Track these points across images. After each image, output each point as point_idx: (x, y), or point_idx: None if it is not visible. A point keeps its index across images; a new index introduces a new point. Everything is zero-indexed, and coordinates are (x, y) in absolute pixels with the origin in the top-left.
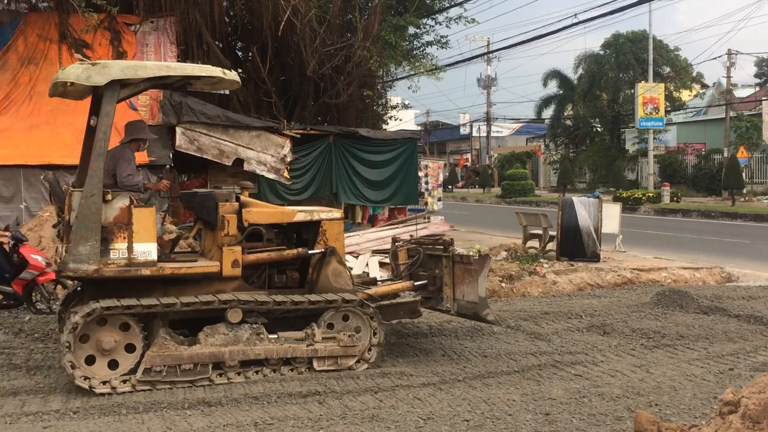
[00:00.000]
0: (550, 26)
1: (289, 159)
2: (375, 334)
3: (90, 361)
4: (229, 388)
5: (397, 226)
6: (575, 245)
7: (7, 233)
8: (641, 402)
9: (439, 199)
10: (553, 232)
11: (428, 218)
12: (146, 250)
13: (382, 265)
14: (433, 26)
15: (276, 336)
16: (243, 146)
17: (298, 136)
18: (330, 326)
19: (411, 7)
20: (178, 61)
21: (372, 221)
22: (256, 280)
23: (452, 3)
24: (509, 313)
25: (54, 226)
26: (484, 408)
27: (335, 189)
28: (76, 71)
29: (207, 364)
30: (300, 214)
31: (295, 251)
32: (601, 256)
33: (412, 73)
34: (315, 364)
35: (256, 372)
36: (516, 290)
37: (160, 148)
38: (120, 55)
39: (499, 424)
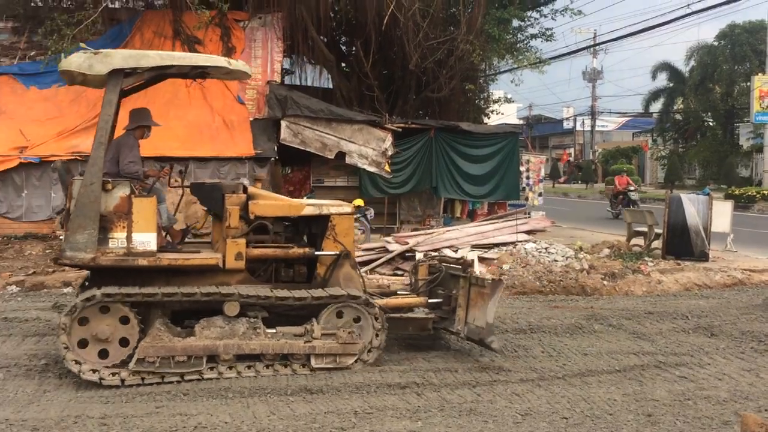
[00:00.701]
0: (660, 17)
1: (390, 153)
2: (377, 335)
3: (82, 345)
4: (330, 376)
5: (496, 221)
6: (682, 244)
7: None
8: (750, 406)
9: (540, 195)
10: (659, 230)
11: (529, 214)
12: (145, 240)
13: (481, 260)
14: (537, 19)
15: (274, 331)
16: (345, 139)
17: (400, 129)
18: (339, 316)
19: (515, 0)
20: (284, 55)
21: (471, 216)
22: (262, 274)
23: None
24: (611, 311)
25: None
26: (584, 406)
27: (435, 183)
28: (78, 60)
29: (201, 356)
30: (309, 207)
31: (301, 251)
32: (710, 256)
33: (516, 66)
34: (313, 362)
35: (248, 367)
36: (618, 288)
37: (265, 141)
38: (229, 50)
39: (599, 423)
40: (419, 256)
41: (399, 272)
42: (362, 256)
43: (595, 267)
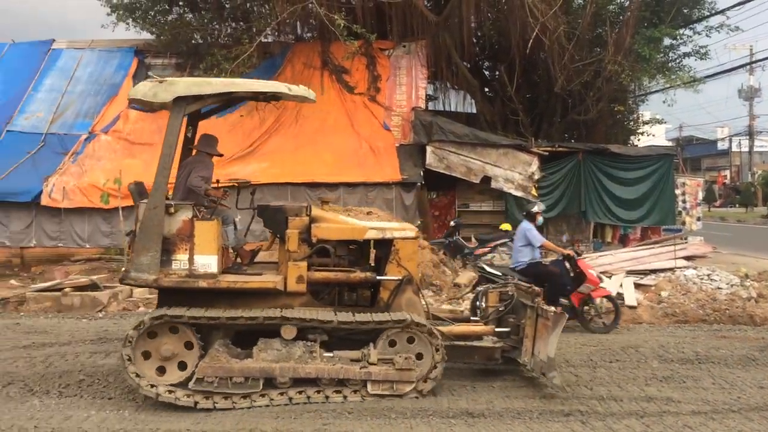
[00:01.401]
0: None
1: (537, 176)
2: (435, 366)
3: (146, 357)
4: (491, 400)
5: (652, 246)
6: None
7: (573, 251)
8: None
9: (699, 219)
10: None
11: (686, 239)
12: (206, 262)
13: (638, 286)
14: (690, 36)
15: (332, 354)
16: (491, 164)
17: (546, 153)
18: (392, 345)
19: (667, 18)
20: (428, 82)
21: (623, 241)
22: (326, 297)
23: (713, 11)
24: None
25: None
26: None
27: (584, 207)
28: (144, 89)
29: (258, 378)
30: (371, 231)
31: (363, 275)
32: None
33: (668, 86)
34: (369, 388)
35: (300, 392)
36: None
37: (411, 167)
38: (375, 78)
39: None
40: None
41: None
42: None
43: (764, 295)
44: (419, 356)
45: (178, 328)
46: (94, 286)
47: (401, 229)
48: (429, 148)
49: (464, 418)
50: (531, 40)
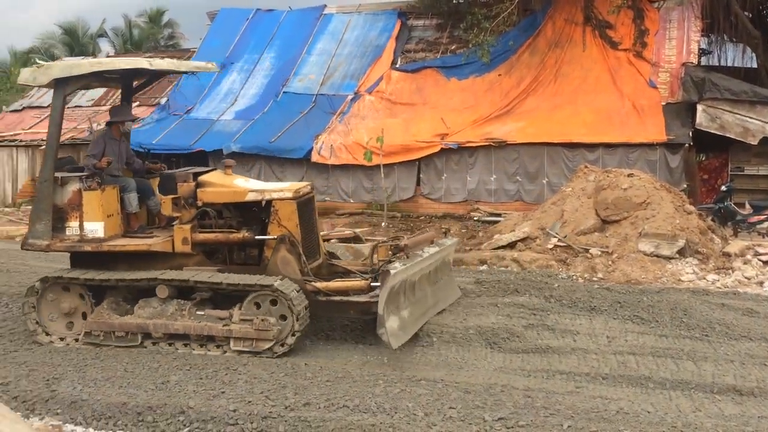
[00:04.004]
0: None
1: None
2: (297, 320)
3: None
4: (763, 378)
5: None
6: None
7: None
8: None
9: None
10: None
11: None
12: (94, 228)
13: None
14: None
15: (203, 313)
16: None
17: None
18: (258, 307)
19: None
20: (702, 35)
21: None
22: (219, 257)
23: None
24: None
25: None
26: None
27: None
28: (25, 74)
29: (136, 333)
30: (251, 193)
31: (240, 235)
32: None
33: None
34: (232, 344)
35: (170, 344)
36: None
37: (679, 127)
38: (642, 33)
39: None
40: None
41: None
42: None
43: None
44: (283, 317)
45: (70, 288)
46: (356, 239)
47: (279, 191)
48: (700, 107)
49: (731, 395)
50: None
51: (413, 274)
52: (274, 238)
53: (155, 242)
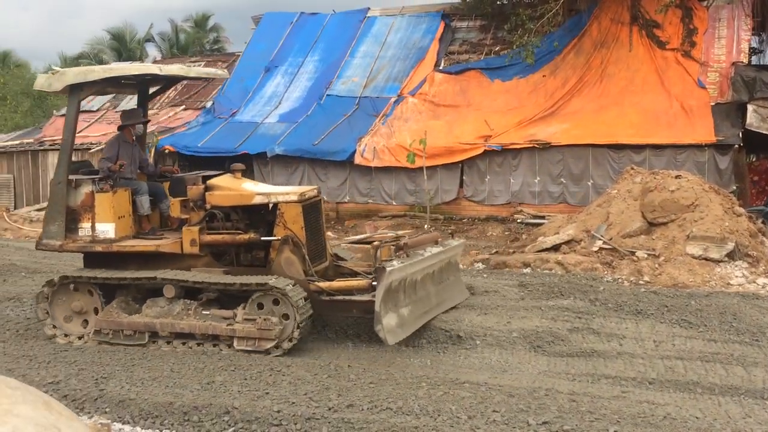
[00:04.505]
0: None
1: None
2: (299, 326)
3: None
4: None
5: None
6: None
7: None
8: None
9: None
10: None
11: None
12: (105, 229)
13: None
14: None
15: (208, 313)
16: None
17: None
18: (261, 307)
19: None
20: (753, 33)
21: None
22: (227, 258)
23: None
24: None
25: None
26: None
27: None
28: (40, 80)
29: (143, 332)
30: (258, 197)
31: (246, 236)
32: None
33: None
34: (235, 343)
35: (183, 343)
36: None
37: (728, 127)
38: (690, 32)
39: None
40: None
41: None
42: None
43: None
44: (285, 316)
45: (81, 288)
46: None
47: (285, 194)
48: (750, 107)
49: None
50: None
51: (414, 273)
52: (278, 240)
53: (163, 243)
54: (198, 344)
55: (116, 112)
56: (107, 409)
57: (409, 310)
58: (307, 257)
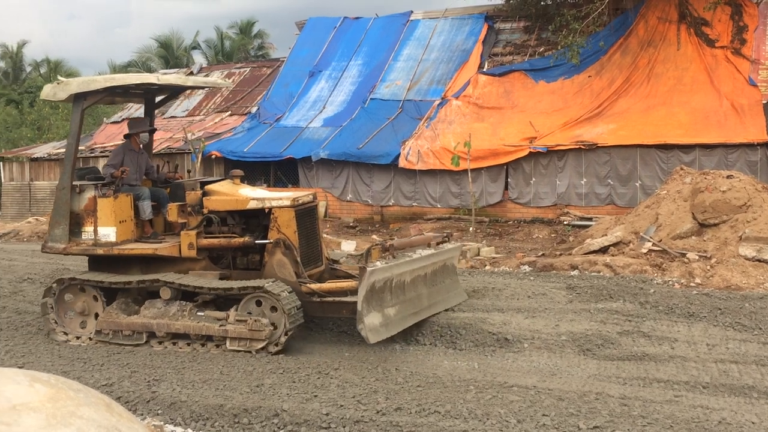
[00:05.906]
0: None
1: None
2: (288, 327)
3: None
4: None
5: None
6: None
7: None
8: None
9: None
10: None
11: None
12: (107, 233)
13: None
14: None
15: (203, 314)
16: None
17: None
18: (259, 304)
19: None
20: None
21: None
22: (224, 261)
23: None
24: None
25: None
26: None
27: None
28: (46, 90)
29: (141, 332)
30: (252, 201)
31: (241, 240)
32: None
33: None
34: (228, 344)
35: (173, 344)
36: None
37: None
38: (740, 29)
39: None
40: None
41: None
42: None
43: None
44: (273, 308)
45: (86, 289)
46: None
47: (278, 199)
48: None
49: None
50: None
51: (401, 274)
52: (269, 242)
53: (162, 247)
54: (188, 344)
55: (164, 118)
56: (159, 411)
57: (396, 310)
58: (299, 260)
